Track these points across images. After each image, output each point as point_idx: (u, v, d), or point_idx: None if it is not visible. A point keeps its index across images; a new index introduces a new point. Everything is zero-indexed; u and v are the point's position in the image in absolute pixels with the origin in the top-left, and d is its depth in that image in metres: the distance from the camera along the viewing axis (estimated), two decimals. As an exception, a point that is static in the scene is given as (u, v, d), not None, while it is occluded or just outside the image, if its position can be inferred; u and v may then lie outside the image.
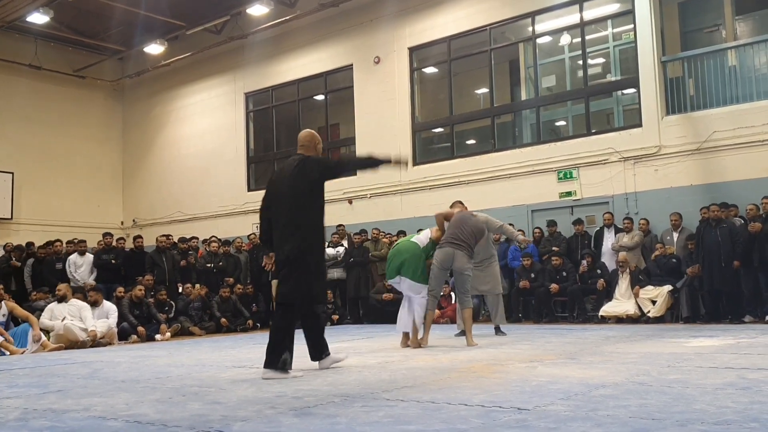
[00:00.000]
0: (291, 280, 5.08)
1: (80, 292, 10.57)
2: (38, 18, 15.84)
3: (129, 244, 13.64)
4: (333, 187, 15.76)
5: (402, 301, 7.60)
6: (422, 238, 7.62)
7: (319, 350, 5.46)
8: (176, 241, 13.32)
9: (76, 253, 12.44)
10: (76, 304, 9.69)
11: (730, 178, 11.25)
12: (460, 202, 8.47)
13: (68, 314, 9.43)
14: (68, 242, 13.21)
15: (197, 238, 14.21)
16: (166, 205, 18.98)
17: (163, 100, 19.59)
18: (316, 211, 5.21)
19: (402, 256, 7.38)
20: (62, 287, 9.93)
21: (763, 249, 9.67)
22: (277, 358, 5.00)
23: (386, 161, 5.32)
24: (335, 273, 13.09)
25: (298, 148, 5.48)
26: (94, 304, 10.00)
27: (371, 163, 5.42)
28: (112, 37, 18.23)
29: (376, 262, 12.97)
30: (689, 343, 6.88)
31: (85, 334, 9.25)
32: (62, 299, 9.67)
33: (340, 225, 13.92)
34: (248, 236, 14.85)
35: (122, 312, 10.48)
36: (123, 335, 10.30)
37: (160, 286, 11.73)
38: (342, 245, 13.30)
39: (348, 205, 15.51)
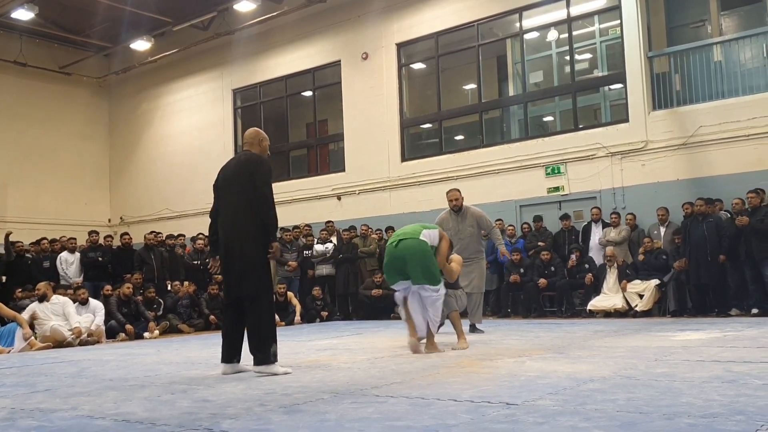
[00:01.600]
0: (251, 277, 5.07)
1: (64, 288, 10.52)
2: (23, 14, 15.71)
3: (117, 242, 13.57)
4: (321, 184, 15.80)
5: (407, 299, 6.33)
6: (433, 237, 6.32)
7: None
8: (164, 239, 13.27)
9: (66, 251, 12.38)
10: (59, 300, 9.53)
11: (716, 172, 11.33)
12: (458, 190, 8.41)
13: (51, 313, 9.27)
14: (52, 240, 13.11)
15: (184, 236, 14.18)
16: (153, 203, 18.91)
17: (150, 96, 19.49)
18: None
19: (413, 262, 6.11)
20: (41, 286, 9.70)
21: (750, 243, 9.73)
22: (268, 353, 4.99)
23: (274, 241, 5.20)
24: (324, 269, 13.10)
25: (244, 146, 5.52)
26: (83, 303, 9.96)
27: (272, 233, 5.21)
28: (98, 33, 18.11)
29: (365, 258, 12.98)
30: (676, 336, 6.93)
31: (70, 333, 9.16)
32: (43, 298, 9.45)
33: (328, 221, 13.91)
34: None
35: (110, 310, 10.44)
36: (111, 333, 10.25)
37: (148, 284, 11.69)
38: (331, 241, 13.29)
39: (336, 202, 15.50)
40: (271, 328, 5.09)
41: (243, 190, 5.15)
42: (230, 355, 5.18)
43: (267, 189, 5.18)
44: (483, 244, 8.74)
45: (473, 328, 8.41)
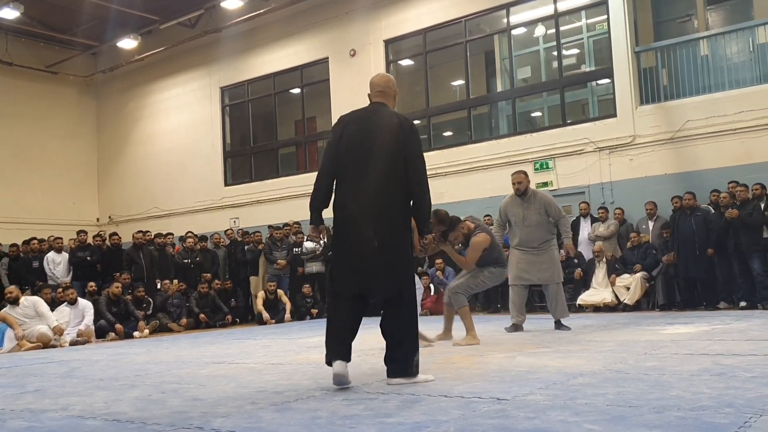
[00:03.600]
0: (396, 272, 4.14)
1: (52, 289, 10.46)
2: (9, 13, 15.58)
3: (106, 241, 13.51)
4: (311, 182, 15.55)
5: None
6: None
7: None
8: (153, 238, 13.22)
9: (53, 251, 12.30)
10: (28, 302, 9.29)
11: (703, 166, 11.38)
12: (523, 173, 7.76)
13: (24, 317, 9.04)
14: (40, 240, 13.04)
15: (172, 234, 14.13)
16: (142, 201, 18.82)
17: (138, 95, 19.39)
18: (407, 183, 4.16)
19: None
20: (12, 289, 9.49)
21: (738, 236, 9.79)
22: (410, 363, 4.19)
23: (429, 233, 4.29)
24: (314, 267, 13.06)
25: (373, 95, 4.38)
26: (71, 303, 9.91)
27: (428, 222, 4.26)
28: (84, 32, 17.98)
29: (354, 256, 12.95)
30: (665, 330, 6.96)
31: (52, 333, 9.04)
32: (15, 302, 9.17)
33: (318, 219, 13.86)
34: (225, 231, 14.82)
35: (99, 310, 10.39)
36: (101, 333, 10.21)
37: (137, 283, 11.64)
38: (320, 239, 13.24)
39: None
40: (414, 333, 4.20)
41: (389, 160, 4.09)
42: (345, 352, 4.21)
43: (424, 166, 4.16)
44: (553, 230, 7.74)
45: (558, 325, 7.67)
